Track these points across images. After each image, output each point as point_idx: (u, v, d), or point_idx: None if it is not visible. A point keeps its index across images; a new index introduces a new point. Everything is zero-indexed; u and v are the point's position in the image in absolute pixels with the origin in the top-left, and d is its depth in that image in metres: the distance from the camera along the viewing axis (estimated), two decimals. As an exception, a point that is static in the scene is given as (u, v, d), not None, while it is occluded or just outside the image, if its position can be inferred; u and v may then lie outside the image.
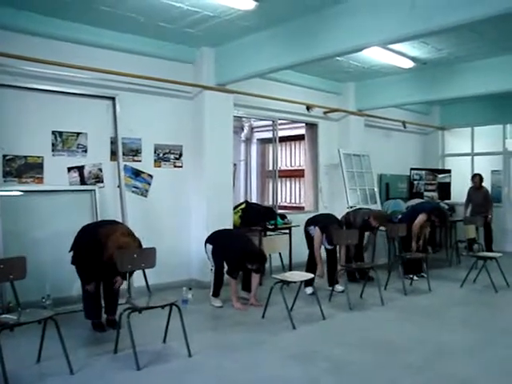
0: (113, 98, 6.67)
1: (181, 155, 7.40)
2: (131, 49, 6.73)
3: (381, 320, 5.88)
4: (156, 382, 3.99)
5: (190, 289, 6.34)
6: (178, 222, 7.36)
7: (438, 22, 5.09)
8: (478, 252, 8.16)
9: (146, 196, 7.02)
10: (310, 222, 7.08)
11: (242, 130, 11.92)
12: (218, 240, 6.37)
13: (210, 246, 6.35)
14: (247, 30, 6.56)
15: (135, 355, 4.22)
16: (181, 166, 7.41)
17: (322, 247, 6.95)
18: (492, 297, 6.98)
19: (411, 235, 7.69)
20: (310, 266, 6.93)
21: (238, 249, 6.10)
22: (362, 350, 4.76)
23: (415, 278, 7.87)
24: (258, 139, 12.12)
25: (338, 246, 7.00)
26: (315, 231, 6.88)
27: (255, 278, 6.31)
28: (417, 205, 8.82)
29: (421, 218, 7.83)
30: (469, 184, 10.43)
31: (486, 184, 10.93)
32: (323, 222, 7.05)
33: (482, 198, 10.12)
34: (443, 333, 5.35)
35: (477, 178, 10.21)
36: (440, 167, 12.18)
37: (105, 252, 4.80)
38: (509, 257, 8.90)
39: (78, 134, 6.40)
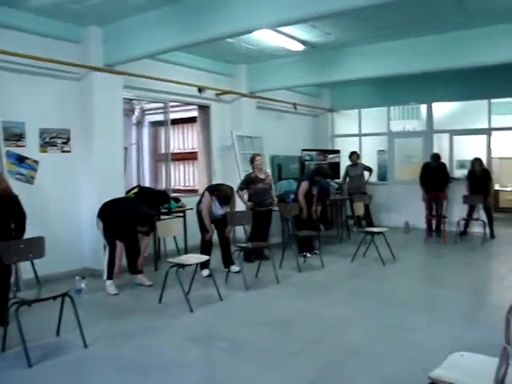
0: (-9, 79, 6.22)
1: (69, 139, 7.07)
2: (13, 25, 6.25)
3: (276, 298, 6.03)
4: (51, 377, 3.83)
5: (84, 278, 6.13)
6: (68, 209, 7.06)
7: (326, 6, 5.26)
8: (366, 228, 8.59)
9: (32, 183, 6.64)
10: (200, 199, 7.13)
11: (133, 112, 11.60)
12: (108, 213, 6.24)
13: (101, 224, 6.23)
14: (137, 9, 6.36)
15: (26, 351, 3.99)
16: (69, 151, 7.09)
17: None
18: (380, 269, 7.39)
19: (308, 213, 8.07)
20: (205, 248, 6.96)
21: (128, 212, 6.07)
22: (259, 328, 4.87)
23: (308, 255, 8.16)
24: (149, 122, 11.86)
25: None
26: (204, 196, 6.98)
27: (143, 240, 6.33)
28: (300, 177, 9.20)
29: (302, 185, 8.18)
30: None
31: (373, 163, 11.56)
32: (211, 186, 7.27)
33: (358, 173, 10.85)
34: (336, 306, 5.60)
35: (354, 156, 10.97)
36: (330, 148, 12.63)
37: None
38: (394, 231, 9.45)
39: (-47, 117, 5.92)
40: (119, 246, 6.05)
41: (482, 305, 5.69)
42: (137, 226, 5.97)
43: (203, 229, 7.00)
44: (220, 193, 6.87)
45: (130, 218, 5.99)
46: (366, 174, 10.97)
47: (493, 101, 10.83)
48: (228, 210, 7.02)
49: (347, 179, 10.96)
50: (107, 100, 7.12)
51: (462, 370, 2.61)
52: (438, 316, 5.20)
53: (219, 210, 6.97)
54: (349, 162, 11.05)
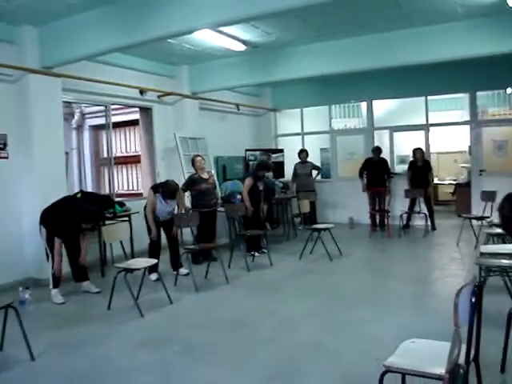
0: None
1: (5, 145, 6.80)
2: None
3: (227, 298, 6.02)
4: (-4, 392, 3.68)
5: (28, 288, 5.90)
6: (8, 217, 6.79)
7: (264, 6, 5.29)
8: (312, 225, 8.70)
9: (-33, 191, 6.37)
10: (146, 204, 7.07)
11: (73, 116, 11.33)
12: (50, 217, 6.03)
13: (44, 230, 6.03)
14: (75, 9, 6.16)
15: (-32, 368, 3.83)
16: (6, 157, 6.81)
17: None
18: (328, 265, 7.49)
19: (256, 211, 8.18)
20: (153, 251, 6.87)
21: (72, 209, 5.98)
22: (212, 330, 4.84)
23: (257, 254, 8.19)
24: (90, 126, 11.62)
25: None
26: (148, 195, 6.98)
27: (86, 236, 6.19)
28: (244, 175, 9.35)
29: (246, 182, 8.27)
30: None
31: (317, 161, 11.70)
32: (155, 184, 7.28)
33: (307, 171, 10.89)
34: (287, 303, 5.65)
35: (303, 153, 11.01)
36: (273, 147, 12.69)
37: None
38: (339, 227, 9.59)
39: None
40: (58, 242, 5.87)
41: (427, 294, 5.87)
42: (81, 222, 5.84)
43: (150, 231, 6.91)
44: (165, 187, 6.83)
45: (74, 213, 5.86)
46: (314, 172, 11.06)
47: (429, 98, 11.18)
48: (175, 208, 7.05)
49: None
50: (45, 103, 6.89)
51: (415, 355, 2.69)
52: (387, 307, 5.32)
53: (165, 207, 6.90)
54: (294, 161, 11.13)
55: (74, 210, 5.95)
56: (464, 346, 2.36)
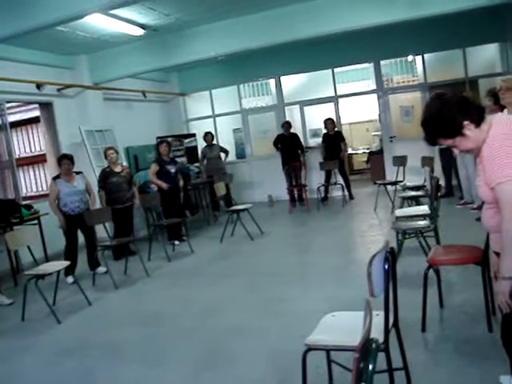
0: None
1: None
2: None
3: (148, 292, 5.84)
4: None
5: None
6: None
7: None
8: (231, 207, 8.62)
9: None
10: None
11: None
12: None
13: None
14: None
15: None
16: None
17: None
18: (250, 245, 7.45)
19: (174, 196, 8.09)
20: (69, 253, 6.53)
21: None
22: (134, 327, 4.66)
23: (177, 242, 8.01)
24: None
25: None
26: (50, 188, 6.75)
27: None
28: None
29: (151, 168, 8.19)
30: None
31: (230, 142, 11.59)
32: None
33: (215, 154, 10.67)
34: (210, 289, 5.54)
35: (208, 136, 10.72)
36: (185, 132, 12.42)
37: None
38: (259, 206, 9.58)
39: None
40: None
41: (350, 263, 5.87)
42: None
43: (67, 237, 6.60)
44: (59, 161, 6.67)
45: None
46: (223, 155, 10.90)
47: (336, 70, 11.30)
48: (85, 192, 6.80)
49: (205, 161, 10.80)
50: None
51: (336, 330, 2.63)
52: (311, 281, 5.34)
53: (71, 189, 6.59)
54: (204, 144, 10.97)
55: None
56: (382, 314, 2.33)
